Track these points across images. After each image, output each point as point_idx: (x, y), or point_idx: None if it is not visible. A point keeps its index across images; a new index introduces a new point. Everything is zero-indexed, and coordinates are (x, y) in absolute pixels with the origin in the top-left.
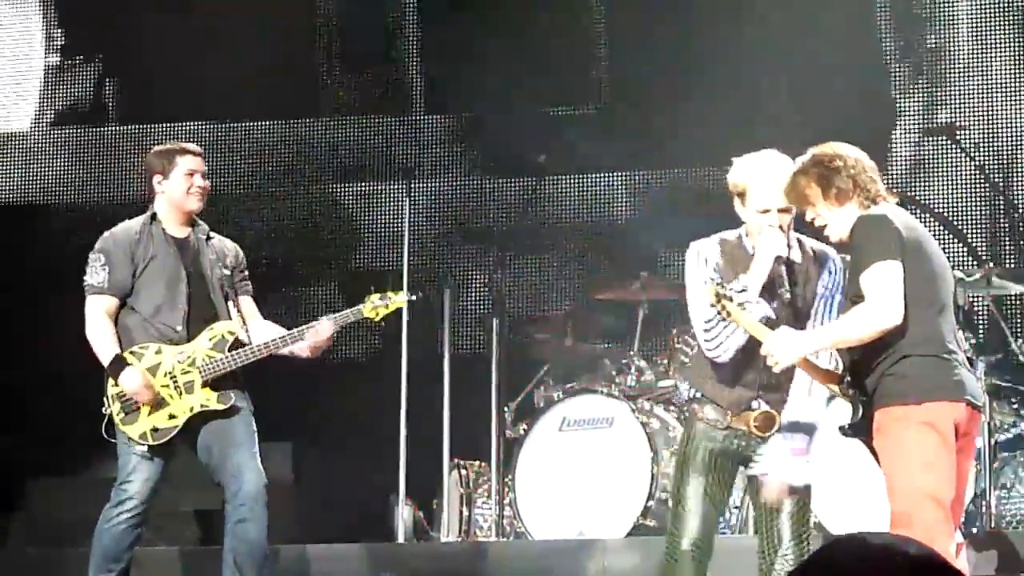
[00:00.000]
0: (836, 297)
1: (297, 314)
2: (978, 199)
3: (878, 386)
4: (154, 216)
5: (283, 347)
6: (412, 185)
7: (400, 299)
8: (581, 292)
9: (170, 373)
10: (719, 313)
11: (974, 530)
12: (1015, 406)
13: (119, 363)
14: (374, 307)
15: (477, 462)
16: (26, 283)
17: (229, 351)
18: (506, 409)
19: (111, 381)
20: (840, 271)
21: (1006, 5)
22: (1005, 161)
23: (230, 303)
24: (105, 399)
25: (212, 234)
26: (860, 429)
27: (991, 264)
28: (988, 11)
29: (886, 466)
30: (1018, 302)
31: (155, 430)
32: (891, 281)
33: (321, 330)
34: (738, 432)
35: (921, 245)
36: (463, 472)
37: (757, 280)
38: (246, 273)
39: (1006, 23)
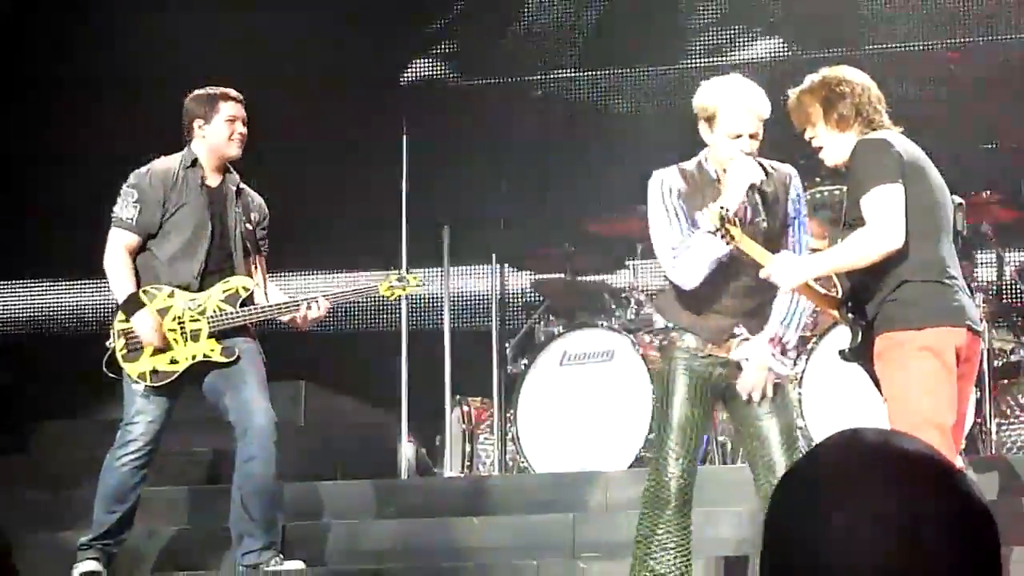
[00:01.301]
0: (804, 214)
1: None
2: None
3: (878, 311)
4: (195, 161)
5: (286, 314)
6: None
7: (416, 282)
8: (579, 227)
9: (179, 318)
10: (723, 237)
11: (976, 455)
12: (1012, 333)
13: (135, 302)
14: (391, 287)
15: (479, 398)
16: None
17: (241, 306)
18: (507, 345)
19: (120, 316)
20: (802, 188)
21: None
22: None
23: (249, 259)
24: (112, 332)
25: (242, 185)
26: (859, 354)
27: (989, 192)
28: None
29: (887, 391)
30: (1017, 227)
31: (155, 372)
32: (893, 204)
33: (317, 307)
34: (719, 359)
35: (922, 170)
36: (465, 408)
37: (731, 208)
38: (266, 232)
39: None
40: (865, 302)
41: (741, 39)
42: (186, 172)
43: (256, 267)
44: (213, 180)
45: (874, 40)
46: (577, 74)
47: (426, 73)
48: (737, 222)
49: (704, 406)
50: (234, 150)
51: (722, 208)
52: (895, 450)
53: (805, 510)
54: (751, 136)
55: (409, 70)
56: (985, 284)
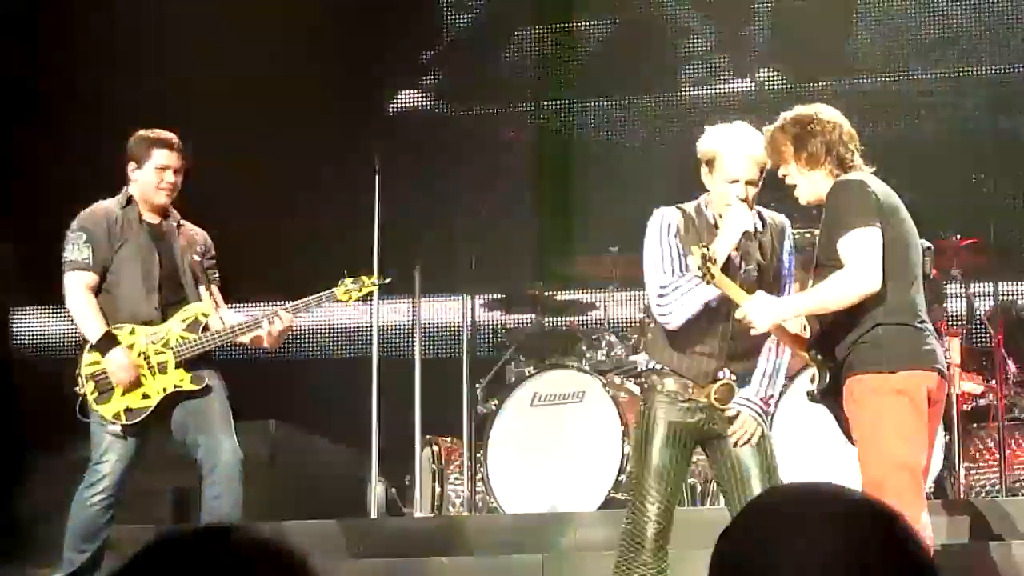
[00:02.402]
0: (793, 265)
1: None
2: None
3: (850, 353)
4: (130, 199)
5: (249, 333)
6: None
7: (372, 283)
8: (552, 267)
9: (144, 353)
10: (703, 276)
11: (945, 499)
12: (981, 377)
13: (109, 340)
14: (347, 290)
15: (449, 438)
16: None
17: (202, 332)
18: (477, 385)
19: (86, 359)
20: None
21: None
22: None
23: (201, 287)
24: (78, 378)
25: (183, 222)
26: (826, 395)
27: (958, 235)
28: None
29: (860, 433)
30: (986, 271)
31: (128, 410)
32: (871, 248)
33: (280, 320)
34: (699, 404)
35: (897, 213)
36: (435, 448)
37: (722, 253)
38: (214, 262)
39: None
40: (835, 343)
41: (728, 72)
42: (124, 211)
43: (211, 294)
44: (152, 218)
45: (860, 73)
46: (553, 104)
47: (406, 104)
48: (717, 262)
49: (683, 451)
50: (161, 198)
51: (703, 247)
52: (845, 499)
53: (756, 548)
54: (748, 182)
55: (395, 101)
56: (955, 328)
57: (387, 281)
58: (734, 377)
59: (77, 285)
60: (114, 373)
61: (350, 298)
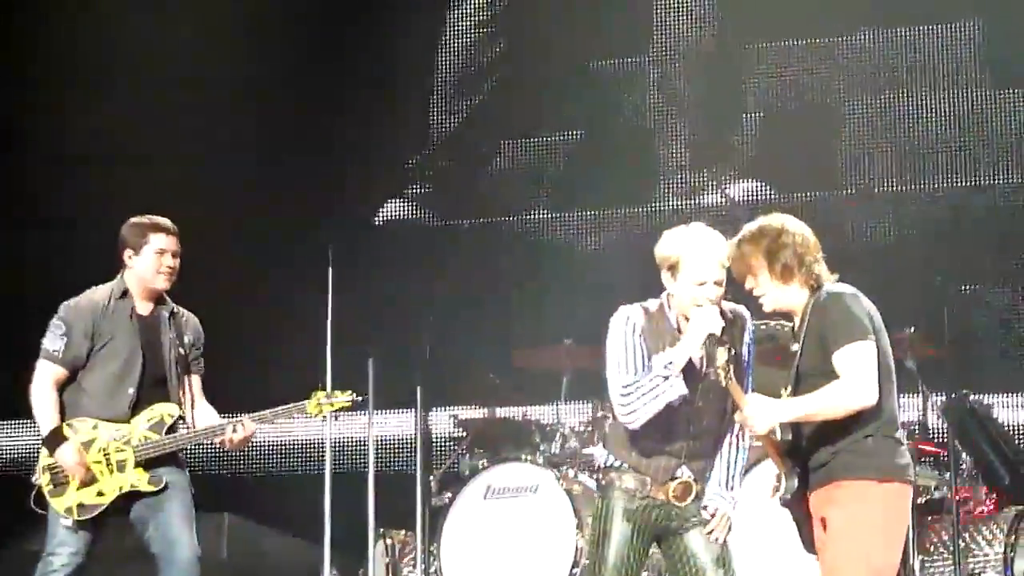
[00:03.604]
0: (753, 357)
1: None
2: None
3: (833, 460)
4: (125, 292)
5: (211, 438)
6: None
7: (344, 399)
8: (504, 359)
9: (104, 450)
10: (722, 376)
11: None
12: (936, 471)
13: (57, 436)
14: (319, 404)
15: (402, 531)
16: None
17: (167, 432)
18: (431, 478)
19: (45, 452)
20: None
21: None
22: None
23: (182, 382)
24: (37, 469)
25: (177, 309)
26: (791, 501)
27: (912, 328)
28: None
29: (838, 538)
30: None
31: (81, 505)
32: (869, 362)
33: (242, 428)
34: (657, 502)
35: (880, 324)
36: (388, 541)
37: (683, 356)
38: (201, 351)
39: None
40: (813, 450)
41: (713, 182)
42: (116, 303)
43: (188, 389)
44: (144, 308)
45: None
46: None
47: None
48: (728, 369)
49: (640, 547)
50: (161, 283)
51: (728, 348)
52: None
53: None
54: (716, 283)
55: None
56: (909, 422)
57: (360, 399)
58: (691, 476)
59: (43, 376)
60: (69, 469)
61: (320, 412)
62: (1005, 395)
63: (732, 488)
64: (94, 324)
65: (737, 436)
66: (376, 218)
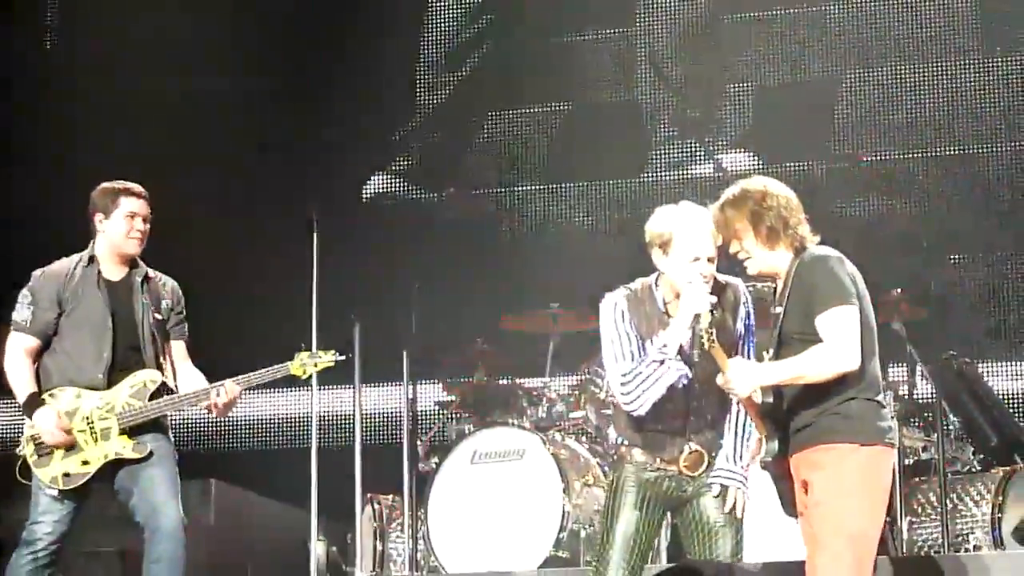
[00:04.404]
0: (753, 327)
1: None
2: None
3: (815, 423)
4: (92, 258)
5: (196, 403)
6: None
7: (328, 359)
8: (492, 323)
9: (88, 418)
10: (705, 340)
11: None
12: (924, 432)
13: (34, 402)
14: (302, 364)
15: (390, 496)
16: None
17: (151, 398)
18: (418, 443)
19: (29, 422)
20: (751, 300)
21: None
22: None
23: (160, 348)
24: (22, 439)
25: (153, 273)
26: (777, 462)
27: (899, 290)
28: None
29: (821, 501)
30: (926, 326)
31: (66, 475)
32: (852, 325)
33: (225, 392)
34: (669, 472)
35: (863, 288)
36: (376, 506)
37: (677, 337)
38: (183, 315)
39: None
40: (794, 413)
41: (701, 153)
42: (83, 270)
43: (168, 356)
44: (115, 274)
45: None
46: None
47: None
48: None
49: (652, 517)
50: (132, 247)
51: (712, 310)
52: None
53: None
54: (709, 259)
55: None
56: (896, 383)
57: (343, 358)
58: (700, 447)
59: (14, 346)
60: (43, 433)
61: (304, 372)
62: (990, 362)
63: (741, 458)
64: (59, 291)
65: (737, 408)
66: (364, 191)
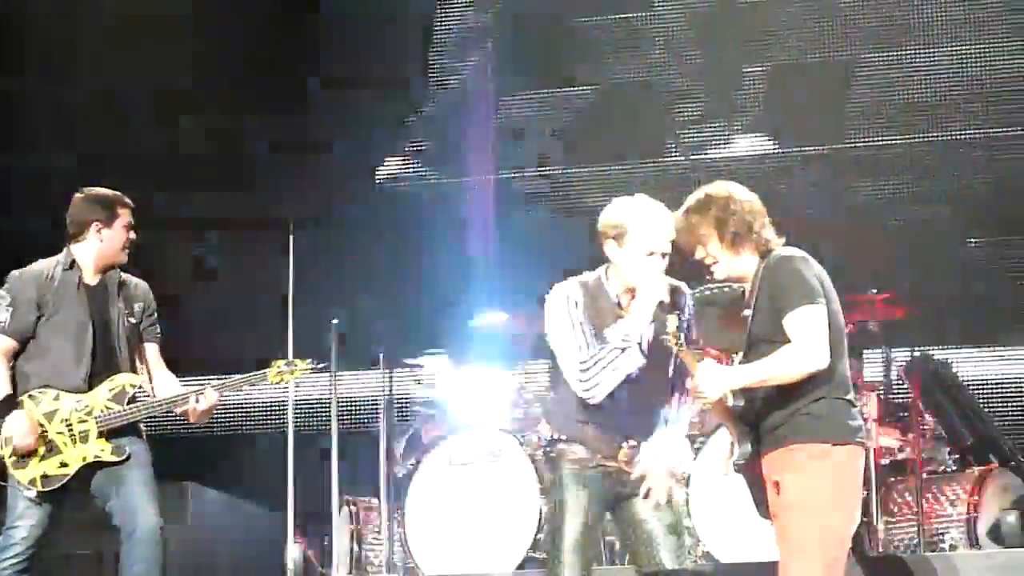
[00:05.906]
0: (693, 336)
1: None
2: None
3: (786, 423)
4: (73, 263)
5: (174, 408)
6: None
7: (305, 366)
8: (466, 324)
9: (66, 420)
10: (673, 344)
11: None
12: (902, 431)
13: (7, 405)
14: (279, 372)
15: (367, 498)
16: None
17: (129, 402)
18: (395, 445)
19: (6, 424)
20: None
21: None
22: None
23: (135, 353)
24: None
25: (125, 277)
26: (749, 464)
27: (876, 290)
28: None
29: (794, 502)
30: (903, 326)
31: (45, 477)
32: (819, 325)
33: (205, 399)
34: (609, 469)
35: (830, 288)
36: (352, 509)
37: (638, 326)
38: (155, 318)
39: None
40: (766, 414)
41: (722, 135)
42: (63, 274)
43: (143, 358)
44: (92, 279)
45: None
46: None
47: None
48: (679, 339)
49: (594, 516)
50: (124, 258)
51: (677, 314)
52: None
53: None
54: (662, 255)
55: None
56: (872, 383)
57: (320, 366)
58: (634, 443)
59: None
60: (14, 436)
61: (281, 380)
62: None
63: (670, 451)
64: (37, 293)
65: (677, 403)
66: (376, 177)
